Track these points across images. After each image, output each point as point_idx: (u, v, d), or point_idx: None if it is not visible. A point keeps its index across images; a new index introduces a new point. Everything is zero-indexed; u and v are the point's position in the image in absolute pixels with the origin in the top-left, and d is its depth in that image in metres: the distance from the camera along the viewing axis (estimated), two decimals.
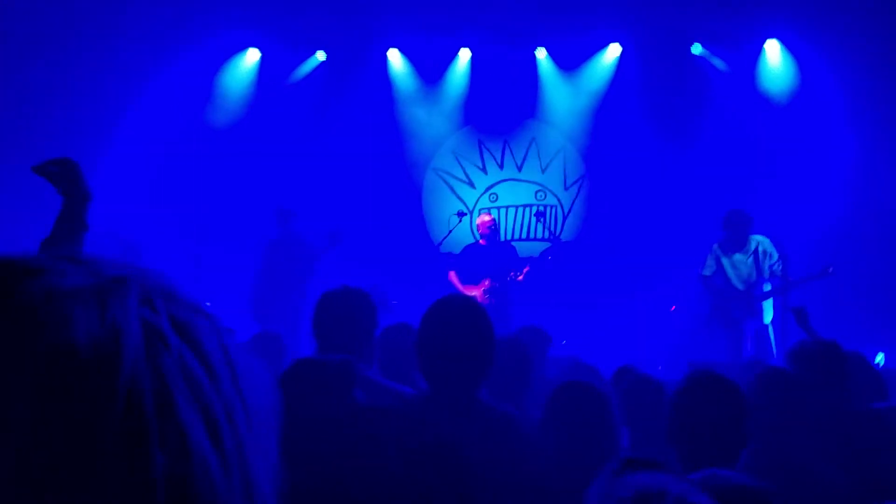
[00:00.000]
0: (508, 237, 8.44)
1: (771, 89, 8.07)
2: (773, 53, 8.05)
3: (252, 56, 8.47)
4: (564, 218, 8.70)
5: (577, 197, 8.70)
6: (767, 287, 6.40)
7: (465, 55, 8.48)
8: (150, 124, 7.87)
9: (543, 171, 8.76)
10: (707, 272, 6.56)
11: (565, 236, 8.53)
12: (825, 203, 7.60)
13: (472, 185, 8.83)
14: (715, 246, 6.56)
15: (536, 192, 8.73)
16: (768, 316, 6.45)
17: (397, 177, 8.55)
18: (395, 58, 8.53)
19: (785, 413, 2.49)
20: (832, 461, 2.53)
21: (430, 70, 8.58)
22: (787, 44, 7.98)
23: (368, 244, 7.88)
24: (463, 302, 2.24)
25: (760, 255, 6.38)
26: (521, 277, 6.94)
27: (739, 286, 6.44)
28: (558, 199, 8.72)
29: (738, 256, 6.46)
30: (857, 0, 7.14)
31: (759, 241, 6.44)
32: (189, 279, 6.59)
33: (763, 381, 2.57)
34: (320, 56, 8.55)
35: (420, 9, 7.83)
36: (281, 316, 6.50)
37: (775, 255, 6.38)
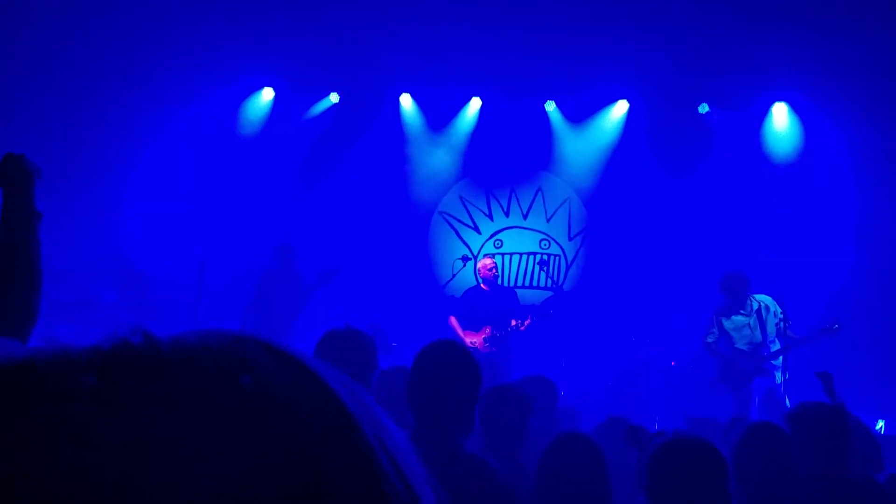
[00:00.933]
0: (511, 284, 8.45)
1: (777, 150, 8.16)
2: (781, 115, 8.16)
3: (267, 94, 8.64)
4: (567, 268, 8.72)
5: (580, 247, 8.74)
6: (776, 346, 6.35)
7: (475, 104, 8.62)
8: (170, 161, 8.12)
9: (548, 220, 8.82)
10: (710, 339, 6.53)
11: (567, 286, 8.54)
12: (829, 263, 7.62)
13: (477, 230, 8.88)
14: (715, 311, 6.55)
15: (541, 241, 8.77)
16: (780, 376, 6.38)
17: (405, 218, 8.61)
18: (407, 102, 8.68)
19: (773, 471, 2.45)
20: None
21: (442, 116, 8.72)
22: (795, 106, 8.09)
23: (374, 283, 7.91)
24: (452, 348, 2.24)
25: (764, 315, 6.35)
26: (523, 328, 6.93)
27: (744, 347, 6.39)
28: (562, 249, 8.76)
29: (738, 318, 6.44)
30: (866, 65, 7.25)
31: (761, 300, 6.42)
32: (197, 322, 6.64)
33: (751, 439, 2.54)
34: (334, 98, 8.70)
35: (434, 57, 7.99)
36: None
37: (780, 313, 6.33)
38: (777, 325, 6.33)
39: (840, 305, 7.23)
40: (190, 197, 8.16)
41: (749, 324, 6.40)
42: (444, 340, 2.29)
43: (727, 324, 6.47)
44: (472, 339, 6.99)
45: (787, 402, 6.24)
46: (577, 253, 8.74)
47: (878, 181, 7.65)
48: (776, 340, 6.37)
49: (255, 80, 8.56)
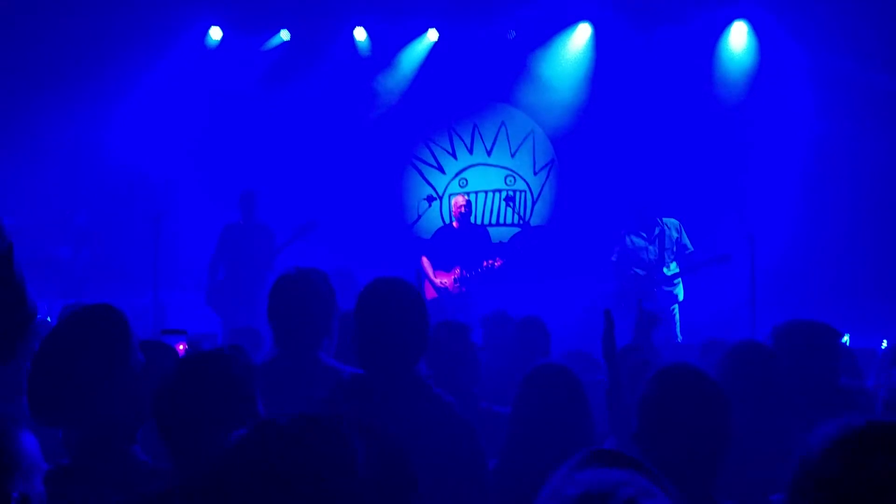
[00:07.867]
0: (478, 222, 8.34)
1: (737, 71, 8.00)
2: (739, 35, 7.97)
3: (215, 34, 8.25)
4: (534, 203, 8.63)
5: (546, 182, 8.63)
6: (668, 271, 6.49)
7: (432, 35, 8.32)
8: (131, 119, 7.98)
9: (513, 155, 8.67)
10: (614, 258, 6.65)
11: (534, 221, 8.46)
12: (788, 186, 7.63)
13: (441, 170, 8.71)
14: (623, 232, 6.66)
15: (506, 177, 8.64)
16: (680, 295, 6.55)
17: (366, 161, 8.37)
18: (361, 36, 8.34)
19: (767, 389, 2.40)
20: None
21: (399, 51, 8.42)
22: (755, 24, 7.91)
23: (340, 228, 7.77)
24: (393, 283, 2.21)
25: (666, 239, 6.49)
26: (497, 265, 6.81)
27: (640, 271, 6.53)
28: (527, 184, 8.64)
29: (638, 241, 6.56)
30: None
31: (667, 223, 6.55)
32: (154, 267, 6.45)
33: (738, 358, 2.48)
34: (284, 35, 8.33)
35: None
36: (238, 305, 6.24)
37: (683, 238, 6.51)
38: (677, 248, 6.49)
39: (798, 230, 7.33)
40: (145, 152, 7.93)
41: (648, 247, 6.53)
42: (384, 278, 2.24)
43: (628, 244, 6.58)
44: (443, 280, 6.89)
45: (679, 326, 6.45)
46: (542, 187, 8.63)
47: (836, 100, 7.57)
48: (672, 264, 6.50)
49: (203, 24, 8.19)
